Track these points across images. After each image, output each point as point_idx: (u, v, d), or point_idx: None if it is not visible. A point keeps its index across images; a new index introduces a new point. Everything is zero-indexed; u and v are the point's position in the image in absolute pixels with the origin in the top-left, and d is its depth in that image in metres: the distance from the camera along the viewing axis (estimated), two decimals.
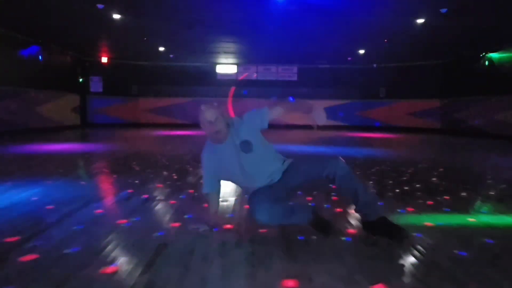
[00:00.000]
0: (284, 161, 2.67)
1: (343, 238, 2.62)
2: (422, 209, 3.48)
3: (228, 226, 2.84)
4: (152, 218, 3.12)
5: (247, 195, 2.67)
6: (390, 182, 4.80)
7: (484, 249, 2.47)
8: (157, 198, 3.79)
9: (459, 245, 2.52)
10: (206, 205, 2.84)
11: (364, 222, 2.55)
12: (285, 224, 2.55)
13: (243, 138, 2.54)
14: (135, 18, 10.25)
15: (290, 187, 2.61)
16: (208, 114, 2.48)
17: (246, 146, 2.53)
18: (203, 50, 15.30)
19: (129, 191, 4.07)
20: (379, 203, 2.62)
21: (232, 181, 2.76)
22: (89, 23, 10.80)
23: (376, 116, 18.54)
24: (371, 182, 4.83)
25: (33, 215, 3.12)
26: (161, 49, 15.03)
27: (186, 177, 4.95)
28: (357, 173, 5.52)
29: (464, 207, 3.59)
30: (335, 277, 2.03)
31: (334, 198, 3.79)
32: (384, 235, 2.47)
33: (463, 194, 4.15)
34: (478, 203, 3.82)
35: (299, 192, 3.69)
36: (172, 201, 3.64)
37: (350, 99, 19.01)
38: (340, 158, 2.55)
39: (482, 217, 3.25)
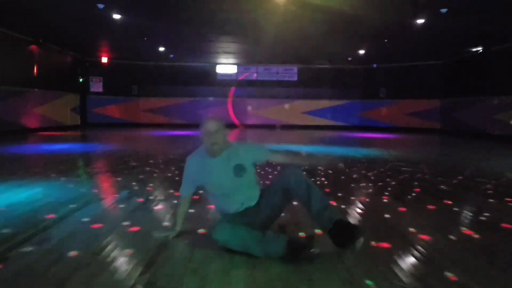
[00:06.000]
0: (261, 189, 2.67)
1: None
2: (422, 209, 3.48)
3: (202, 231, 2.74)
4: (152, 218, 3.12)
5: (218, 213, 2.72)
6: (390, 182, 4.80)
7: (483, 249, 2.47)
8: (157, 198, 3.79)
9: (459, 245, 2.52)
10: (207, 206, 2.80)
11: (326, 231, 2.40)
12: (250, 250, 2.28)
13: (239, 162, 2.53)
14: (135, 18, 10.25)
15: (264, 213, 2.53)
16: (209, 124, 2.48)
17: (239, 171, 2.51)
18: (203, 50, 15.30)
19: (129, 191, 4.07)
20: (330, 206, 2.46)
21: (208, 192, 2.68)
22: (89, 23, 10.80)
23: (376, 116, 18.54)
24: (370, 183, 4.83)
25: (33, 215, 3.12)
26: (161, 49, 15.03)
27: None
28: (355, 175, 5.52)
29: (466, 209, 3.59)
30: (334, 276, 2.04)
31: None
32: (341, 242, 2.32)
33: (466, 196, 4.15)
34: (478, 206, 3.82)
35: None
36: (172, 202, 3.64)
37: (350, 99, 19.01)
38: (296, 168, 2.52)
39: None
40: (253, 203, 2.56)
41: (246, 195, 2.56)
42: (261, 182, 2.81)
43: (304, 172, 2.50)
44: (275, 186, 2.57)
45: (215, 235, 2.33)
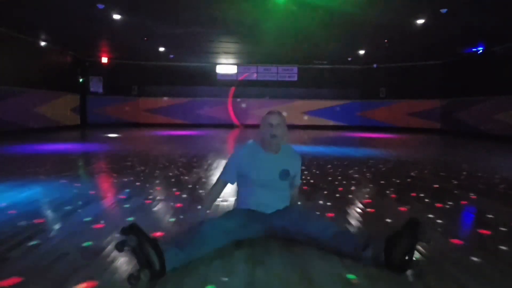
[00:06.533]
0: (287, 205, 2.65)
1: None
2: (423, 209, 3.48)
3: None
4: (152, 218, 3.12)
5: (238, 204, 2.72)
6: (390, 182, 4.80)
7: (484, 249, 2.47)
8: (157, 198, 3.79)
9: (460, 245, 2.52)
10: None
11: (388, 262, 2.09)
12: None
13: (287, 168, 2.59)
14: (135, 18, 10.25)
15: (271, 227, 2.48)
16: (272, 116, 2.55)
17: (284, 175, 2.58)
18: (203, 50, 15.30)
19: (129, 191, 4.07)
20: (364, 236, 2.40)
21: (245, 180, 2.65)
22: (89, 23, 10.80)
23: (376, 116, 18.53)
24: (370, 183, 4.83)
25: (33, 215, 3.12)
26: (161, 49, 15.03)
27: (185, 177, 4.95)
28: (355, 175, 5.52)
29: (466, 209, 3.59)
30: (334, 276, 2.04)
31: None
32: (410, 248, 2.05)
33: (466, 196, 4.15)
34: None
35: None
36: (171, 202, 3.64)
37: (350, 99, 19.01)
38: (332, 223, 2.51)
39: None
40: (267, 211, 2.53)
41: (270, 200, 2.55)
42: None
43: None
44: (303, 226, 2.41)
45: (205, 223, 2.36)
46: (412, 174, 5.44)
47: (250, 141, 2.73)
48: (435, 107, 16.87)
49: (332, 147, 9.70)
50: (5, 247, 2.38)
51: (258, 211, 2.52)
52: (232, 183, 2.70)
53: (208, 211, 2.75)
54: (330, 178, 4.99)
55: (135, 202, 3.60)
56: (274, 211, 2.54)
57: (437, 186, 4.58)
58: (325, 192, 4.16)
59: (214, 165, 6.12)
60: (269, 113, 2.61)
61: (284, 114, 2.74)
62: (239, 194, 2.73)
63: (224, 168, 2.72)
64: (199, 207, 2.74)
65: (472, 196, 4.09)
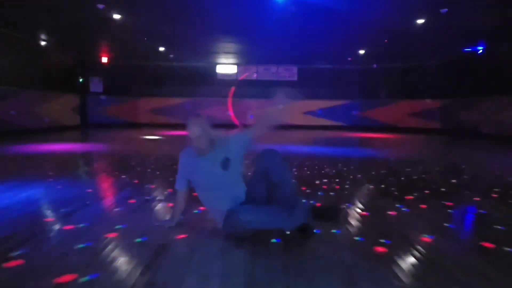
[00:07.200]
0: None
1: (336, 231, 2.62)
2: (423, 209, 3.48)
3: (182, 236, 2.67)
4: (152, 218, 3.11)
5: (213, 215, 2.73)
6: (390, 182, 4.80)
7: (483, 249, 2.47)
8: (157, 198, 3.79)
9: (459, 245, 2.52)
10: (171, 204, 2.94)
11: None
12: (275, 224, 2.46)
13: (225, 156, 2.63)
14: (135, 18, 10.26)
15: (261, 199, 2.59)
16: (191, 130, 2.57)
17: (225, 163, 2.61)
18: (203, 50, 15.30)
19: (129, 191, 4.07)
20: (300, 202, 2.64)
21: (200, 190, 2.74)
22: (89, 23, 10.80)
23: (376, 116, 18.52)
24: (371, 183, 4.83)
25: (33, 215, 3.12)
26: (161, 49, 15.04)
27: None
28: (358, 175, 5.52)
29: (466, 209, 3.59)
30: (334, 276, 2.04)
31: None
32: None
33: (466, 196, 4.15)
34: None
35: None
36: (171, 204, 3.64)
37: (350, 99, 19.01)
38: (272, 149, 2.60)
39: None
40: (244, 197, 2.61)
41: (235, 191, 2.61)
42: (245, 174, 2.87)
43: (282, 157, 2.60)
44: (257, 173, 2.60)
45: (240, 215, 2.37)
46: (412, 174, 5.43)
47: (184, 151, 2.77)
48: (435, 107, 16.86)
49: (331, 147, 9.70)
50: (5, 247, 2.38)
51: (240, 204, 2.57)
52: (182, 190, 2.79)
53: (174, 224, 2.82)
54: (329, 179, 4.99)
55: (135, 202, 3.60)
56: (246, 194, 2.63)
57: (437, 186, 4.58)
58: (324, 192, 4.15)
59: None
60: (189, 124, 2.59)
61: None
62: (210, 207, 2.72)
63: (177, 178, 2.80)
64: (165, 224, 2.85)
65: (472, 196, 4.09)
